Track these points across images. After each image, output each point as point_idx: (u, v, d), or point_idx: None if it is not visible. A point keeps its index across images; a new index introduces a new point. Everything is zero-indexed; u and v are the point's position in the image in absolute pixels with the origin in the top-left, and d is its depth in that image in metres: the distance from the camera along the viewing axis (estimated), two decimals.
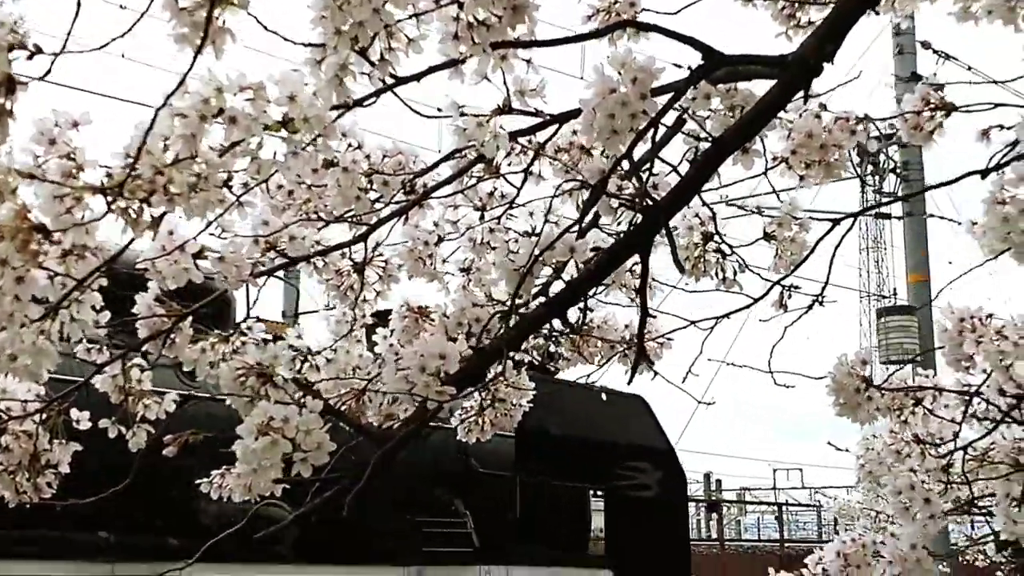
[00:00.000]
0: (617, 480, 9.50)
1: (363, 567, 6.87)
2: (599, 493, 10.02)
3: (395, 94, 1.83)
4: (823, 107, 2.36)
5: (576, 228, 1.91)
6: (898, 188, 25.00)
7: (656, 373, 2.34)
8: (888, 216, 29.24)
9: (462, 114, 1.95)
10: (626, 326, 2.81)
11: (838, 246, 2.40)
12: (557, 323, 2.70)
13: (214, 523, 5.79)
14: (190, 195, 1.56)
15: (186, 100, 1.55)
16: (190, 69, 1.49)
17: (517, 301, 1.87)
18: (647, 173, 1.87)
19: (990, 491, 2.61)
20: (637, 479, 9.47)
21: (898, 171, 24.62)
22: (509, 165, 2.28)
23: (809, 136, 2.25)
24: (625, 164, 1.89)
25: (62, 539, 5.79)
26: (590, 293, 2.41)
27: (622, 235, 1.92)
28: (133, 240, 1.59)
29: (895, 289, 33.39)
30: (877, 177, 26.15)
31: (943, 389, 2.47)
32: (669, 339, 2.81)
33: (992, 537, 3.09)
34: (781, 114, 2.34)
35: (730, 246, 2.42)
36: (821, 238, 2.38)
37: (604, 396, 8.72)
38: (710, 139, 1.89)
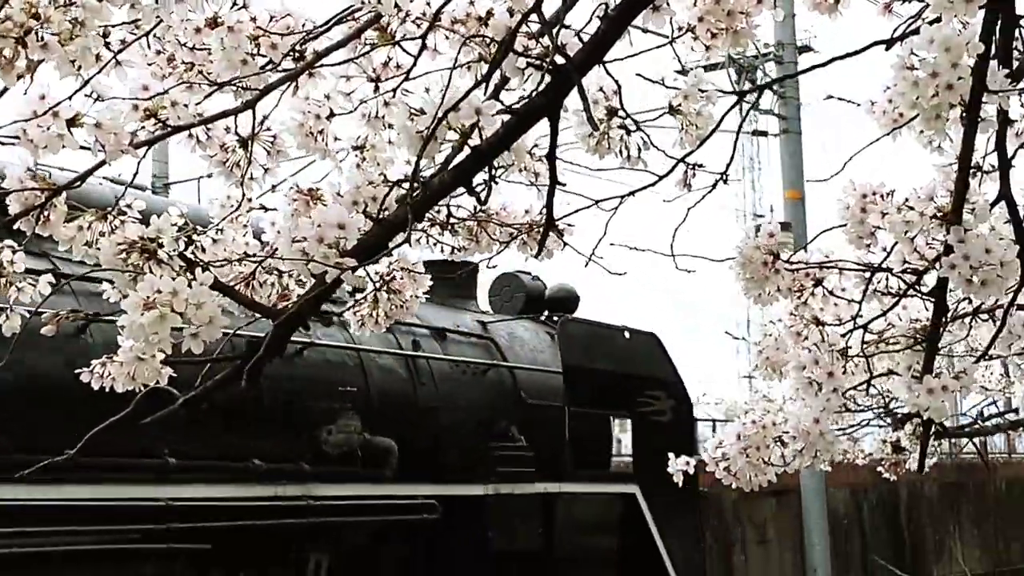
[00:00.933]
0: (641, 407, 11.18)
1: (452, 484, 8.49)
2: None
3: None
4: None
5: (482, 89, 1.80)
6: (775, 105, 25.30)
7: (566, 244, 2.26)
8: (764, 133, 29.67)
9: None
10: (526, 211, 2.73)
11: (743, 121, 2.34)
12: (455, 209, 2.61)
13: (335, 451, 7.77)
14: (66, 41, 1.42)
15: None
16: None
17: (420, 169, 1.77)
18: (557, 31, 1.77)
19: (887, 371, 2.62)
20: (656, 406, 11.20)
21: (775, 88, 24.94)
22: (404, 37, 2.16)
23: (717, 2, 2.18)
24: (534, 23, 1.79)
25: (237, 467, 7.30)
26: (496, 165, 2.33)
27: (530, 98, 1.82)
28: (6, 91, 1.45)
29: (772, 206, 33.99)
30: (755, 94, 26.42)
31: (846, 268, 2.45)
32: (570, 225, 2.75)
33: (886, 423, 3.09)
34: None
35: (635, 121, 2.34)
36: (727, 111, 2.32)
37: (627, 335, 11.15)
38: None
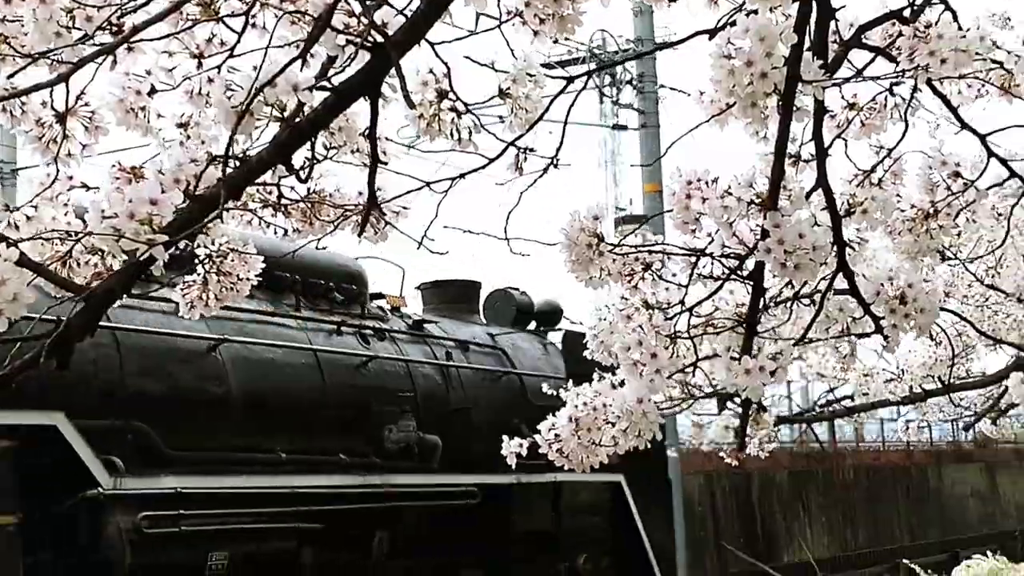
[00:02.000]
0: None
1: (484, 474, 10.00)
2: None
3: None
4: None
5: (299, 65, 1.78)
6: (635, 100, 25.63)
7: (388, 224, 2.26)
8: (624, 127, 29.99)
9: None
10: (360, 193, 2.72)
11: (574, 102, 2.37)
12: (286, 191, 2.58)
13: (394, 447, 9.50)
14: None
15: None
16: None
17: (237, 145, 1.74)
18: (374, 9, 1.77)
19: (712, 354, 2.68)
20: None
21: (634, 83, 25.33)
22: (231, 15, 2.13)
23: None
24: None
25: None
26: (320, 148, 2.32)
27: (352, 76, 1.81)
28: None
29: (631, 199, 34.41)
30: (615, 89, 26.74)
31: (670, 253, 2.50)
32: (405, 208, 2.75)
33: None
34: None
35: (465, 104, 2.35)
36: (556, 95, 2.35)
37: None
38: None
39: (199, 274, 2.77)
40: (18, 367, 1.80)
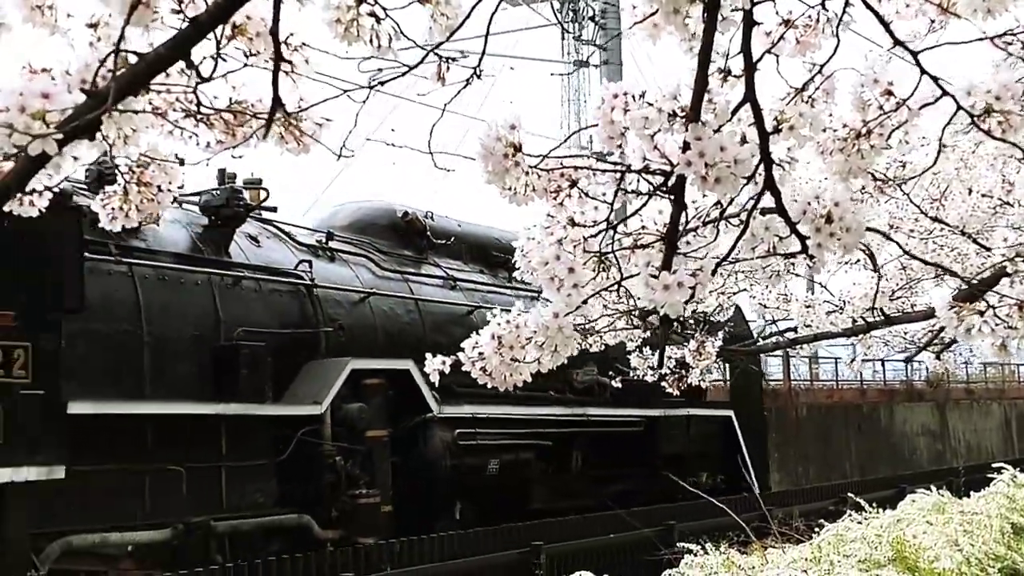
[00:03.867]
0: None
1: (642, 408, 14.53)
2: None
3: None
4: None
5: None
6: (596, 36, 25.44)
7: (300, 133, 2.20)
8: (586, 64, 29.84)
9: None
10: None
11: (495, 11, 2.32)
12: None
13: (581, 386, 14.44)
14: None
15: None
16: None
17: (131, 43, 1.68)
18: None
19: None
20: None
21: (596, 19, 25.13)
22: None
23: None
24: None
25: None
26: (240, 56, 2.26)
27: None
28: None
29: (591, 137, 34.30)
30: (576, 24, 26.55)
31: (596, 169, 2.46)
32: (328, 119, 2.69)
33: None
34: None
35: (384, 8, 2.29)
36: (476, 3, 2.29)
37: None
38: None
39: (119, 184, 2.72)
40: None
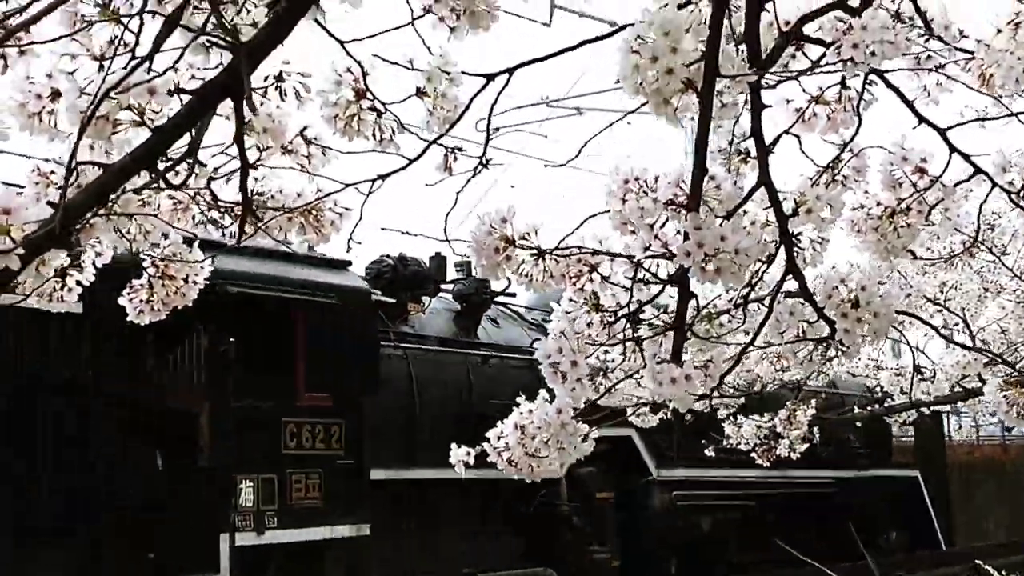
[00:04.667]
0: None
1: (836, 470, 15.63)
2: None
3: None
4: None
5: (151, 66, 1.72)
6: None
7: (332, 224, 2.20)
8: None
9: None
10: (299, 194, 2.67)
11: (495, 103, 2.29)
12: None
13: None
14: None
15: None
16: None
17: (90, 153, 1.69)
18: (237, 9, 1.70)
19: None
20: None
21: None
22: (130, 15, 2.08)
23: None
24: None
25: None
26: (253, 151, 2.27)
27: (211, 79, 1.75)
28: None
29: None
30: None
31: (606, 253, 2.39)
32: (348, 208, 2.69)
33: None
34: None
35: (383, 103, 2.28)
36: (475, 95, 2.26)
37: None
38: None
39: (145, 279, 2.75)
40: None
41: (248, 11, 1.77)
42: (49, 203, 1.77)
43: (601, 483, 12.36)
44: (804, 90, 2.57)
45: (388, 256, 11.93)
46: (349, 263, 10.83)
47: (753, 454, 5.96)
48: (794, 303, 2.46)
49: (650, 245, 2.18)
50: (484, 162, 2.37)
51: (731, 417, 6.27)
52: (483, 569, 11.10)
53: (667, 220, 2.26)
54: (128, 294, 2.73)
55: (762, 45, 2.28)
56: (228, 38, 1.66)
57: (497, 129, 2.42)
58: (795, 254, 2.41)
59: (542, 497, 11.74)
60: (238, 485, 9.09)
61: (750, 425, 6.13)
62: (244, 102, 1.73)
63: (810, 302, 2.43)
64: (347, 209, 2.69)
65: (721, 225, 2.12)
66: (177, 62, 1.74)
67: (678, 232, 2.19)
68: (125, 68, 1.96)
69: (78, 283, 2.53)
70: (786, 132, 2.44)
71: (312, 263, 10.32)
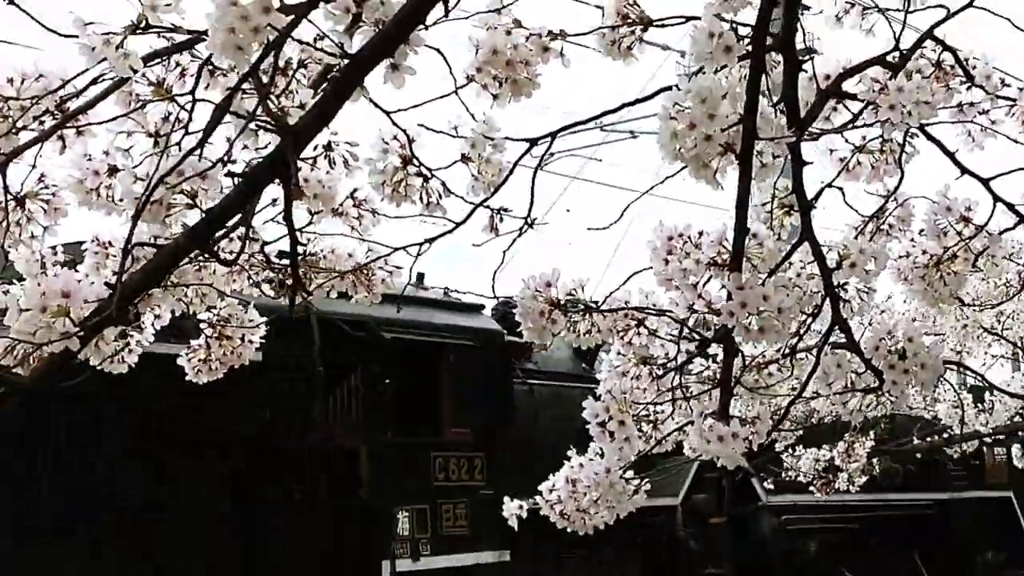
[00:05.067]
0: None
1: (933, 492, 15.89)
2: None
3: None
4: (517, 23, 2.27)
5: (207, 153, 1.79)
6: None
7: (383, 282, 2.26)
8: None
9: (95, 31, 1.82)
10: (350, 255, 2.73)
11: (538, 167, 2.33)
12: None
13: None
14: None
15: None
16: None
17: (143, 233, 1.76)
18: (285, 94, 1.76)
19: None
20: None
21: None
22: (182, 94, 2.14)
23: (495, 52, 2.17)
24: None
25: None
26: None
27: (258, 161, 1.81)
28: None
29: None
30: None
31: (651, 312, 2.42)
32: (398, 267, 2.75)
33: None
34: (473, 31, 2.25)
35: (429, 169, 2.33)
36: (518, 159, 2.30)
37: None
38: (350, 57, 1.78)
39: (202, 340, 2.82)
40: None
41: (295, 92, 1.83)
42: (107, 284, 1.83)
43: (715, 508, 13.02)
44: (847, 140, 2.59)
45: (511, 298, 12.43)
46: (482, 306, 11.54)
47: (811, 488, 5.92)
48: (841, 355, 2.47)
49: (694, 304, 2.20)
50: (530, 223, 2.42)
51: (789, 449, 6.23)
52: None
53: (711, 278, 2.29)
54: (187, 354, 2.80)
55: (801, 100, 2.31)
56: (276, 123, 1.71)
57: (552, 154, 2.45)
58: (841, 305, 2.42)
59: (660, 522, 12.37)
60: (396, 516, 10.00)
61: (808, 458, 6.09)
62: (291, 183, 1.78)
63: (858, 354, 2.44)
64: (397, 267, 2.75)
65: (763, 284, 2.14)
66: (229, 152, 1.80)
67: (722, 287, 2.22)
68: (178, 152, 2.05)
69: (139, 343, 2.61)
70: (829, 186, 2.46)
71: (452, 307, 11.17)
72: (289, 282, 2.55)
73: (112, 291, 1.82)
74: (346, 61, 1.75)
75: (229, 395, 8.32)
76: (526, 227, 2.43)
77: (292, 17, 1.70)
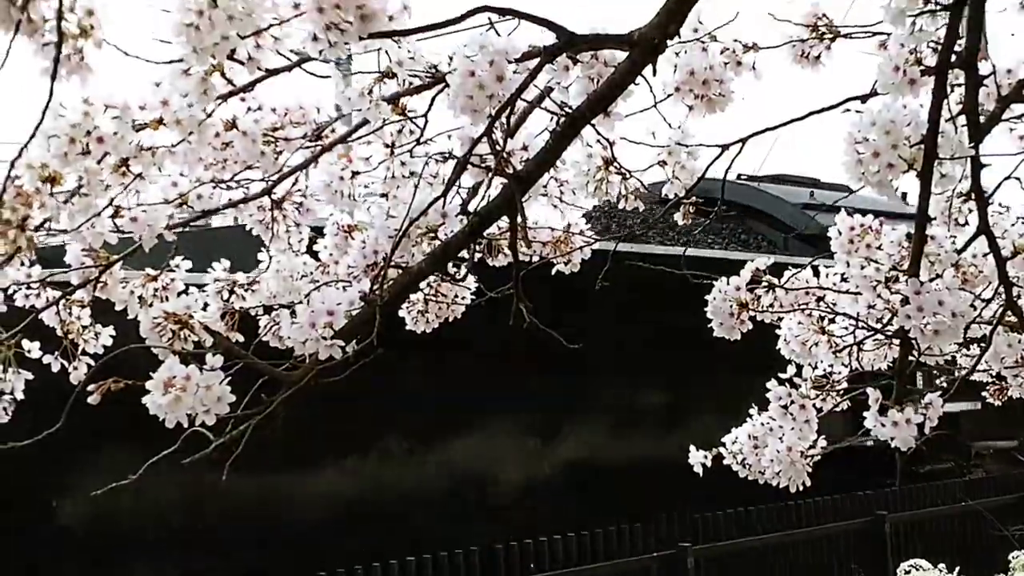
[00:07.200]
0: None
1: None
2: None
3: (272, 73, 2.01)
4: (712, 37, 2.47)
5: (447, 197, 2.09)
6: None
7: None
8: None
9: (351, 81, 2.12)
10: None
11: (728, 168, 2.54)
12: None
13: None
14: (69, 204, 1.77)
15: (59, 122, 1.75)
16: (49, 100, 1.67)
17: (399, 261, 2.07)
18: (503, 144, 2.03)
19: None
20: None
21: None
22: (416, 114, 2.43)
23: (691, 73, 2.37)
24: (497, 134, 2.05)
25: None
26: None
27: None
28: None
29: None
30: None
31: (836, 313, 2.62)
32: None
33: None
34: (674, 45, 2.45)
35: (627, 169, 2.57)
36: (711, 164, 2.53)
37: None
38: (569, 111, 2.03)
39: (420, 296, 3.16)
40: (238, 433, 2.22)
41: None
42: (361, 297, 2.16)
43: None
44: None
45: None
46: None
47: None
48: (1012, 336, 2.64)
49: (874, 304, 2.42)
50: (717, 214, 2.65)
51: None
52: None
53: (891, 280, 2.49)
54: (407, 307, 3.15)
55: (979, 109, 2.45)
56: (502, 171, 1.99)
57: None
58: (1015, 295, 2.59)
59: None
60: None
61: None
62: (519, 227, 2.06)
63: None
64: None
65: (938, 288, 2.34)
66: (469, 201, 2.10)
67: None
68: (410, 159, 2.37)
69: None
70: (1007, 178, 2.61)
71: None
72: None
73: (367, 304, 2.15)
74: (564, 116, 2.01)
75: None
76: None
77: (523, 79, 1.96)
